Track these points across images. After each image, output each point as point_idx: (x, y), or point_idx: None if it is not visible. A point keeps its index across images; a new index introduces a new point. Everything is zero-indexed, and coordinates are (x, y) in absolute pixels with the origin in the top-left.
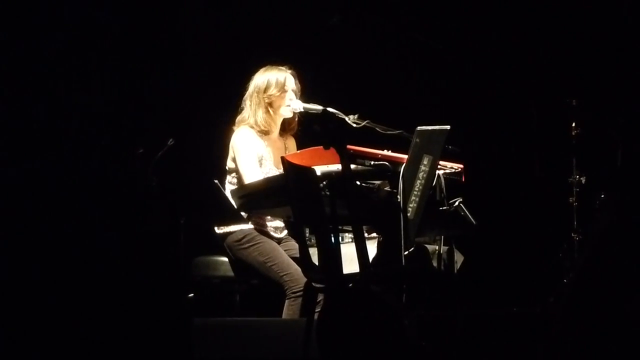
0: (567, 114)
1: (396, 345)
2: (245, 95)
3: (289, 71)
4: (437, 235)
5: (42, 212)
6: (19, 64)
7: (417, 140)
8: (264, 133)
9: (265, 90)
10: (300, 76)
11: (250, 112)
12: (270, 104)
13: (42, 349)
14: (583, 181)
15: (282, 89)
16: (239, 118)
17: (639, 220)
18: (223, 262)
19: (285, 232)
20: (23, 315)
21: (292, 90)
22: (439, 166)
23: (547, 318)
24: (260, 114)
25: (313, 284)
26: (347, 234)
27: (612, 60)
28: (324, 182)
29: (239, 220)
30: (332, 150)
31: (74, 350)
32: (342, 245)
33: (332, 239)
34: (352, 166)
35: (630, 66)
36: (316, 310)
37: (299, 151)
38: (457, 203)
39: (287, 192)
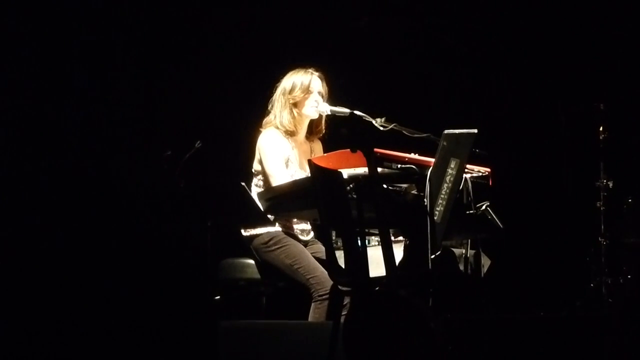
0: (595, 118)
1: (423, 349)
2: (273, 98)
3: (316, 73)
4: (463, 239)
5: (70, 213)
6: (44, 67)
7: (445, 143)
8: (290, 134)
9: (291, 91)
10: (327, 79)
11: (276, 113)
12: (294, 105)
13: (69, 349)
14: (610, 185)
15: (307, 90)
16: (265, 120)
17: None
18: (250, 264)
19: (312, 234)
20: (53, 315)
21: (319, 92)
22: (466, 170)
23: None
24: (285, 114)
25: (339, 287)
26: (373, 237)
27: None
28: (351, 185)
29: (266, 222)
30: (359, 153)
31: (101, 351)
32: (368, 249)
33: (359, 242)
34: (379, 169)
35: None
36: (342, 314)
37: (325, 154)
38: (484, 207)
39: (314, 194)
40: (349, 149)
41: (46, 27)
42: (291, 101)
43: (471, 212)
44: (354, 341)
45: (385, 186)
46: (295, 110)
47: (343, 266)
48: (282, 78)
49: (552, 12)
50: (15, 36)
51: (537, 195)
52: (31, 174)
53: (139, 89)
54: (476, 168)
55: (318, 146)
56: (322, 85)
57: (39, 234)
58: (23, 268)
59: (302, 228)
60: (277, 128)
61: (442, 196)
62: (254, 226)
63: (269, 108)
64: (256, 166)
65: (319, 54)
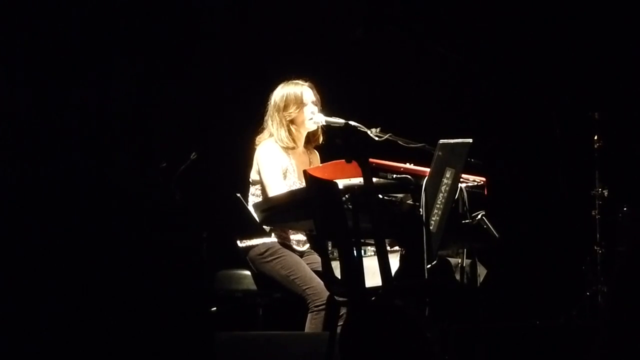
0: (590, 127)
1: (419, 359)
2: (266, 116)
3: (306, 84)
4: (459, 249)
5: (66, 225)
6: (40, 74)
7: (440, 153)
8: (290, 147)
9: (285, 108)
10: (322, 89)
11: (273, 130)
12: (291, 122)
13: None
14: (606, 194)
15: (301, 104)
16: (260, 136)
17: None
18: (246, 275)
19: (308, 245)
20: (49, 324)
21: (312, 102)
22: (461, 179)
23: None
24: (283, 132)
25: (336, 297)
26: (369, 248)
27: (635, 73)
28: (346, 196)
29: (262, 233)
30: (355, 163)
31: None
32: (364, 259)
33: (355, 252)
34: (375, 179)
35: None
36: (339, 324)
37: (321, 165)
38: (479, 216)
39: (310, 205)
40: (344, 160)
41: (44, 32)
42: (287, 118)
43: (467, 221)
44: (350, 352)
45: (380, 196)
46: (292, 127)
47: (339, 277)
48: (271, 92)
49: (546, 20)
50: (14, 40)
51: (533, 204)
52: (25, 183)
53: (134, 101)
54: (471, 177)
55: (315, 157)
56: (314, 94)
57: (34, 244)
58: (18, 282)
59: (298, 239)
60: (276, 142)
61: (438, 206)
62: (249, 237)
63: (264, 125)
64: (254, 176)
65: (314, 64)
